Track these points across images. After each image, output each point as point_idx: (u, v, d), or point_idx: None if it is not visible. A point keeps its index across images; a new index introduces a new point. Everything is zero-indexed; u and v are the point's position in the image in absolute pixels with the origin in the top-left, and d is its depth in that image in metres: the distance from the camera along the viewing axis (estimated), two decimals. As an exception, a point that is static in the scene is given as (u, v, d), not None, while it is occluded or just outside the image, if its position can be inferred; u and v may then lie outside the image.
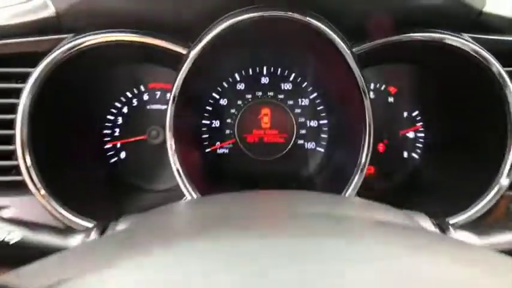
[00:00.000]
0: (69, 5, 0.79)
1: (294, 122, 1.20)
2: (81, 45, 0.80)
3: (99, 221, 0.85)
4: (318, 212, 0.48)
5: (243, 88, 1.20)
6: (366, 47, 0.86)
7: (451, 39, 0.83)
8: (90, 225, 0.84)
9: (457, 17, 0.84)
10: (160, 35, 0.85)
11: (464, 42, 0.83)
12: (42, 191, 0.83)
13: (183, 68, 0.84)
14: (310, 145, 1.22)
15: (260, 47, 1.13)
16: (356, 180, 0.88)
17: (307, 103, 1.20)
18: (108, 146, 1.16)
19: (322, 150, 1.21)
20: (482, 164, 0.96)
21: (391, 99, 1.19)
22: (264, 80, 1.20)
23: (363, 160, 0.88)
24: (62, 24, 0.83)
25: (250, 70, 1.20)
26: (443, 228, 0.60)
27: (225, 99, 1.20)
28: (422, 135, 1.19)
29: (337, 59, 0.87)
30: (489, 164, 0.92)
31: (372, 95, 1.16)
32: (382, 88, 1.18)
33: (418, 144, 1.20)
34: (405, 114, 1.19)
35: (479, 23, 0.86)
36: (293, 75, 1.20)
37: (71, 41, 0.80)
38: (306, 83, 1.20)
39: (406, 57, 1.06)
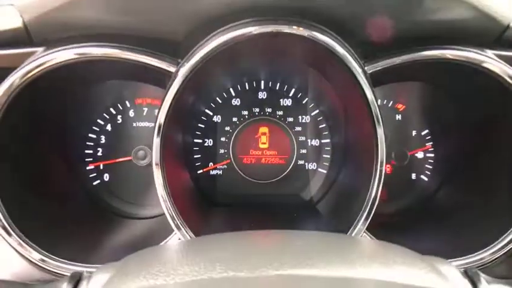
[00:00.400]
0: (38, 15, 0.68)
1: (294, 141, 1.11)
2: (48, 64, 0.69)
3: (78, 259, 0.77)
4: (323, 275, 0.41)
5: (238, 104, 1.11)
6: (381, 65, 0.76)
7: (491, 63, 0.74)
8: (66, 266, 0.75)
9: (481, 31, 0.75)
10: (145, 50, 0.74)
11: (504, 67, 0.74)
12: (10, 232, 0.72)
13: (171, 88, 0.73)
14: (311, 166, 1.12)
15: (257, 60, 1.03)
16: (364, 218, 0.78)
17: (308, 120, 1.11)
18: (90, 167, 1.06)
19: (325, 171, 1.12)
20: (501, 194, 0.86)
21: (398, 117, 1.10)
22: (262, 95, 1.11)
23: (373, 195, 0.77)
24: (33, 36, 0.72)
25: (247, 84, 1.10)
26: (474, 281, 0.52)
27: (219, 116, 1.11)
28: (432, 155, 1.11)
29: (345, 77, 0.77)
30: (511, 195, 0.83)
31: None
32: (390, 105, 1.10)
33: (427, 166, 1.11)
34: (414, 133, 1.11)
35: (503, 38, 0.77)
36: (293, 90, 1.10)
37: (39, 57, 0.69)
38: (307, 99, 1.11)
39: (420, 75, 0.96)
